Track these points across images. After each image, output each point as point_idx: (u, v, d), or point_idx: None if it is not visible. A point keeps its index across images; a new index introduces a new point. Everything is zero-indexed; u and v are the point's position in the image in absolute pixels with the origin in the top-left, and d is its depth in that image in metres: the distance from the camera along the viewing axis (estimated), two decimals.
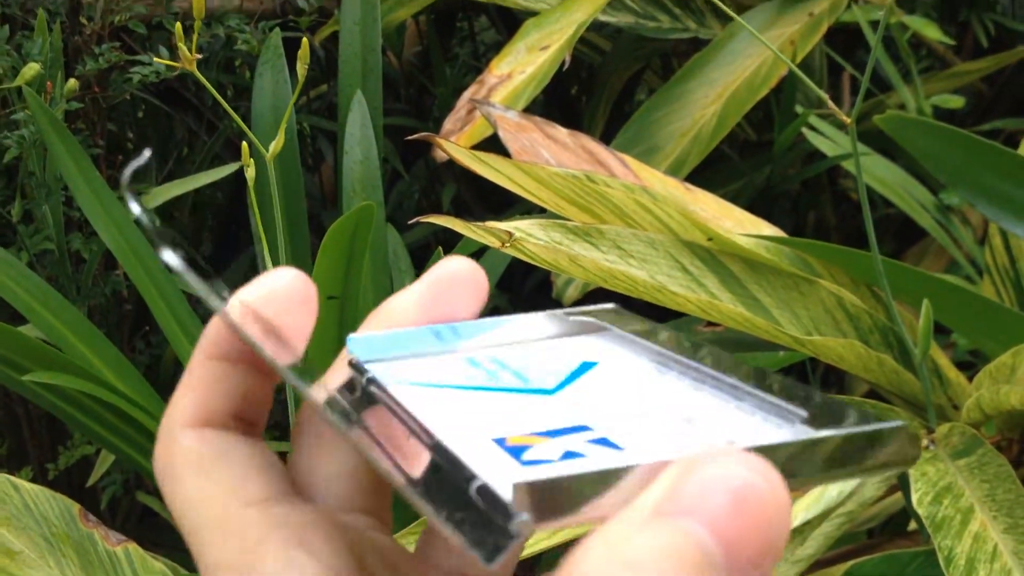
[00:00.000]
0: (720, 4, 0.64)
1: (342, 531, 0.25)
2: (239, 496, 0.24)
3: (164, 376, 1.29)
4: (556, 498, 0.20)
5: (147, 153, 0.27)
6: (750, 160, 1.30)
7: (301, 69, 0.48)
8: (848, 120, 0.60)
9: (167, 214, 1.36)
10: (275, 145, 0.50)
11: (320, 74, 1.48)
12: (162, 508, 1.25)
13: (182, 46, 0.46)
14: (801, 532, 0.62)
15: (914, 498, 0.60)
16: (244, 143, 0.53)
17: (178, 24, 0.46)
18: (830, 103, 0.59)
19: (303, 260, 1.00)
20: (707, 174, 1.30)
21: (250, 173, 0.53)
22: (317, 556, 0.23)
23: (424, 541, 0.28)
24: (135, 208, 0.24)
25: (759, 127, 1.35)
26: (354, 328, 0.29)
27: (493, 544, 0.19)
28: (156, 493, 1.24)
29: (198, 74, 0.47)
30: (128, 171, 0.25)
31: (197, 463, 0.25)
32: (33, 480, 1.21)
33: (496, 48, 1.40)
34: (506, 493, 0.19)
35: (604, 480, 0.20)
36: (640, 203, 0.71)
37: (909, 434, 0.23)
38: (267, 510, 0.24)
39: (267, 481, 0.25)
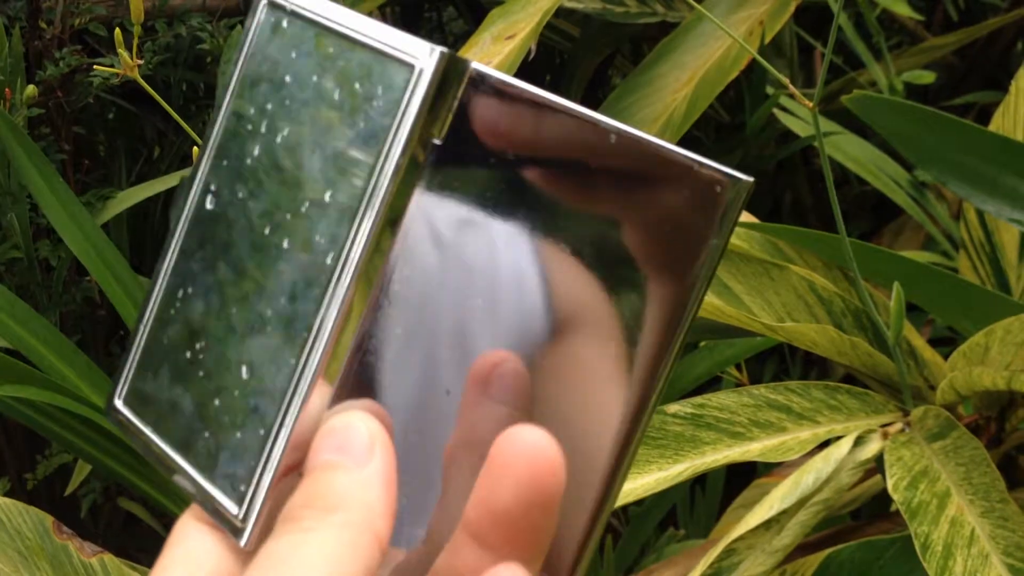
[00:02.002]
0: None
1: None
2: None
3: None
4: None
5: None
6: (723, 143, 1.29)
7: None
8: (810, 105, 0.59)
9: (138, 215, 1.34)
10: None
11: None
12: (145, 514, 1.24)
13: (123, 52, 0.45)
14: (778, 521, 0.62)
15: (889, 483, 0.60)
16: (195, 147, 0.52)
17: (117, 30, 0.45)
18: (791, 87, 0.58)
19: None
20: None
21: None
22: None
23: None
24: None
25: (732, 109, 1.34)
26: None
27: None
28: (138, 499, 1.23)
29: (141, 80, 0.46)
30: None
31: None
32: (11, 491, 1.20)
33: (465, 38, 1.39)
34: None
35: None
36: None
37: None
38: None
39: None
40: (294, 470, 0.25)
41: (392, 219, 0.25)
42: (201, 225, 0.28)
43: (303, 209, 0.26)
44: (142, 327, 0.29)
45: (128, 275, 0.99)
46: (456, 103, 0.26)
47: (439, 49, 0.25)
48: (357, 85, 0.26)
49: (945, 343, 1.11)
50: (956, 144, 0.76)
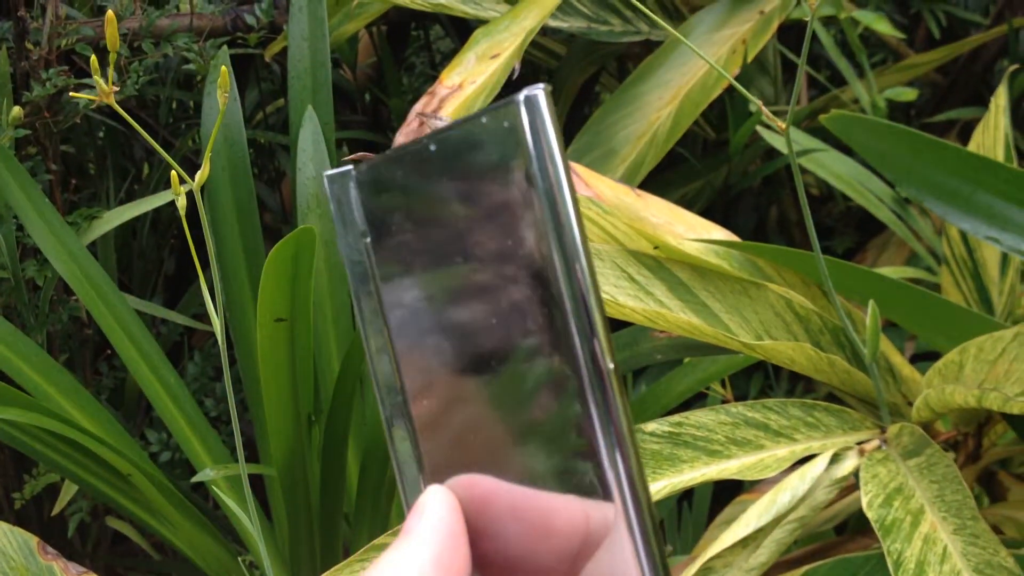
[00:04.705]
0: (655, 17, 0.64)
1: None
2: None
3: (128, 399, 1.28)
4: None
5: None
6: (708, 160, 1.30)
7: (221, 97, 0.48)
8: (782, 126, 0.60)
9: (127, 233, 1.35)
10: (200, 175, 0.49)
11: (276, 89, 1.48)
12: (133, 532, 1.24)
13: (98, 79, 0.46)
14: (754, 539, 0.62)
15: (864, 501, 0.60)
16: (173, 173, 0.52)
17: (93, 58, 0.46)
18: (764, 109, 0.59)
19: (258, 279, 1.00)
20: (666, 175, 1.30)
21: (180, 203, 0.53)
22: None
23: None
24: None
25: (717, 126, 1.35)
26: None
27: None
28: (125, 518, 1.23)
29: (116, 106, 0.46)
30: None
31: None
32: None
33: (452, 56, 1.40)
34: None
35: None
36: (585, 215, 0.71)
37: None
38: None
39: None
40: None
41: None
42: None
43: None
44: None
45: (114, 295, 0.99)
46: (353, 202, 0.30)
47: (325, 175, 0.31)
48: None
49: (930, 358, 1.11)
50: (933, 163, 0.76)
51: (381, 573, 0.27)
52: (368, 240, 0.30)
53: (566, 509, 0.27)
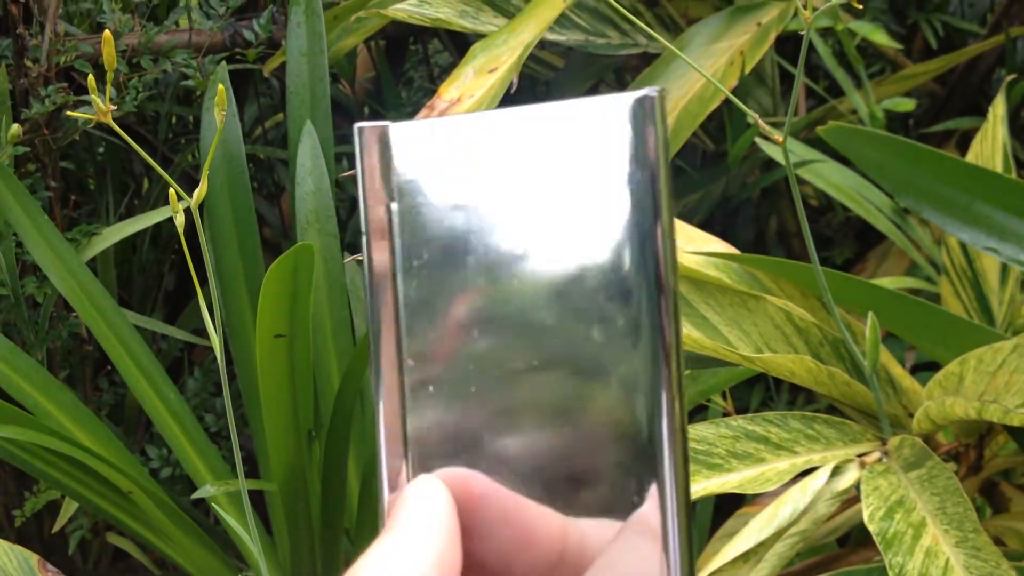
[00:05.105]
0: (651, 32, 0.64)
1: None
2: None
3: (129, 415, 1.28)
4: None
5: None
6: (707, 171, 1.30)
7: (220, 115, 0.48)
8: (780, 137, 0.60)
9: (127, 248, 1.35)
10: (199, 191, 0.49)
11: (276, 103, 1.48)
12: (134, 549, 1.24)
13: (95, 98, 0.46)
14: (756, 553, 0.62)
15: (865, 514, 0.60)
16: (171, 191, 0.52)
17: (91, 77, 0.46)
18: (760, 122, 0.59)
19: (258, 295, 1.00)
20: None
21: (179, 219, 0.53)
22: None
23: None
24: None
25: (716, 137, 1.35)
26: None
27: None
28: (126, 534, 1.23)
29: (114, 125, 0.46)
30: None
31: None
32: (0, 528, 1.19)
33: (450, 70, 1.40)
34: None
35: None
36: None
37: None
38: None
39: None
40: None
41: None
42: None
43: None
44: None
45: (114, 311, 0.99)
46: (391, 162, 0.27)
47: (356, 126, 0.27)
48: None
49: (930, 369, 1.11)
50: (930, 173, 0.76)
51: (382, 570, 0.25)
52: (395, 205, 0.27)
53: (548, 523, 0.27)
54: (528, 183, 0.27)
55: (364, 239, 0.27)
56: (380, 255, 0.27)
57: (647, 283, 0.26)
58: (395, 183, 0.27)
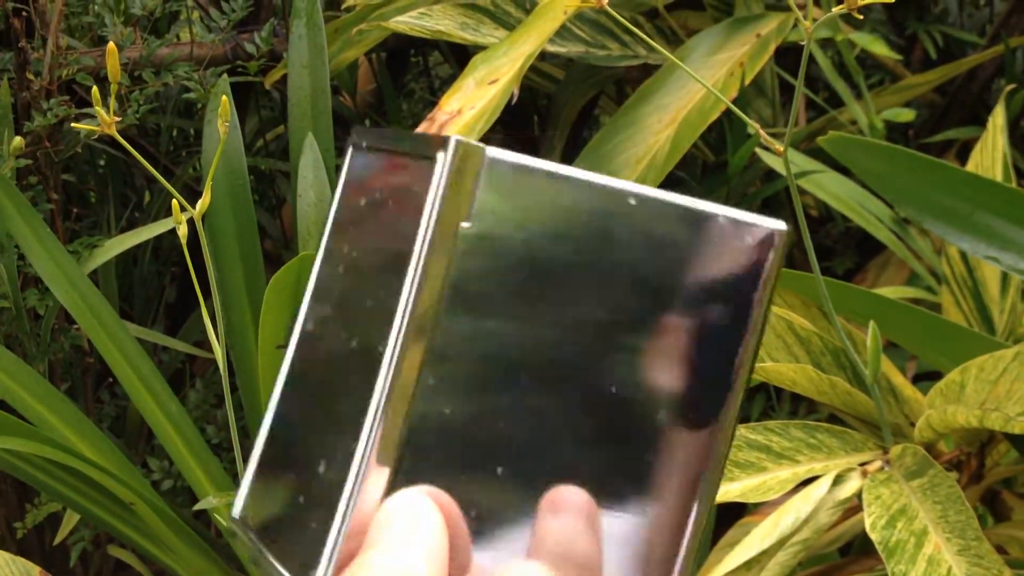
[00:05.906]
0: (652, 42, 0.64)
1: None
2: None
3: (131, 427, 1.28)
4: None
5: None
6: (707, 182, 1.30)
7: (222, 127, 0.48)
8: (780, 148, 0.60)
9: (128, 260, 1.35)
10: (201, 203, 0.50)
11: (277, 116, 1.48)
12: (136, 561, 1.23)
13: (99, 110, 0.46)
14: (758, 562, 0.62)
15: (867, 522, 0.60)
16: (174, 201, 0.53)
17: (95, 89, 0.46)
18: (762, 132, 0.59)
19: (259, 306, 1.00)
20: None
21: (182, 231, 0.53)
22: None
23: None
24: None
25: (716, 148, 1.36)
26: None
27: None
28: (127, 546, 1.23)
29: (118, 136, 0.47)
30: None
31: None
32: (1, 540, 1.19)
33: (451, 82, 1.41)
34: None
35: None
36: None
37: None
38: None
39: None
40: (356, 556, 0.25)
41: (429, 295, 0.25)
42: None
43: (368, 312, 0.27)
44: (260, 441, 0.30)
45: (116, 323, 0.99)
46: (477, 185, 0.26)
47: (454, 138, 0.25)
48: None
49: (932, 378, 1.11)
50: (930, 183, 0.77)
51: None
52: (466, 224, 0.26)
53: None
54: (614, 269, 0.26)
55: (421, 251, 0.26)
56: (436, 270, 0.26)
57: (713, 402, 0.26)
58: (473, 208, 0.26)
